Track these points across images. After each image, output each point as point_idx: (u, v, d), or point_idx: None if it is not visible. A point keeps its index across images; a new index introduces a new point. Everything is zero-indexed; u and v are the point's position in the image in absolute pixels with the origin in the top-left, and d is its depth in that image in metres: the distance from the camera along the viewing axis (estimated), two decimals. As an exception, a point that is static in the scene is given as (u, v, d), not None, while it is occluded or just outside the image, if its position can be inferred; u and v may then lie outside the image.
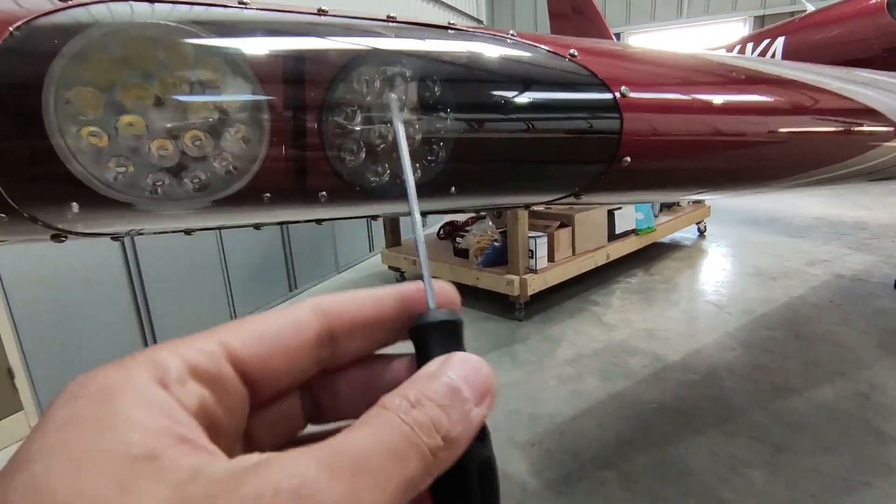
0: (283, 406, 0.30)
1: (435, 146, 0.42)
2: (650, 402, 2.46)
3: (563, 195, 0.52)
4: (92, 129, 0.36)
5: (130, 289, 2.97)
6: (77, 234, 0.40)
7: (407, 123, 0.42)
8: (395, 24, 0.45)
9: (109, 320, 2.88)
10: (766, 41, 4.97)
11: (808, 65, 0.78)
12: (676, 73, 0.58)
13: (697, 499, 1.85)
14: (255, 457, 0.21)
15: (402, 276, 4.37)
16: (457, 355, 0.27)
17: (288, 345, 0.27)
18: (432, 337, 0.29)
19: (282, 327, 0.27)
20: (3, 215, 0.36)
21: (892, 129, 0.65)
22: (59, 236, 0.39)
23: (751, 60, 0.67)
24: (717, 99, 0.55)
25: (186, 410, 0.23)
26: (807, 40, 4.60)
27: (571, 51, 0.49)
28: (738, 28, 10.52)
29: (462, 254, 3.83)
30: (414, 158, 0.43)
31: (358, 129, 0.43)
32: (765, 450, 2.07)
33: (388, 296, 0.31)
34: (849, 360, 2.71)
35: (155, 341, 3.09)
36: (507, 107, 0.45)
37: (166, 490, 0.19)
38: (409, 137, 0.42)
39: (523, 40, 0.49)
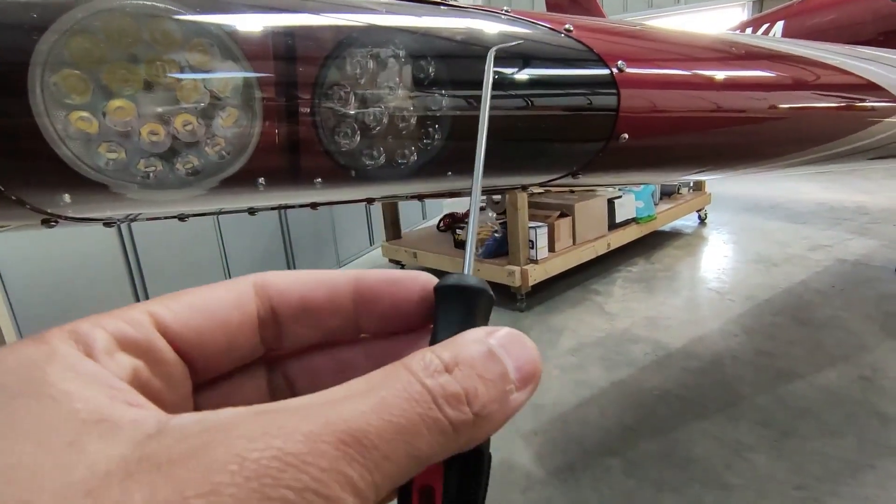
0: (243, 390, 0.27)
1: (431, 126, 0.42)
2: (653, 390, 2.46)
3: (560, 175, 0.51)
4: (81, 113, 0.35)
5: (130, 283, 2.98)
6: (68, 218, 0.39)
7: (402, 102, 0.42)
8: (387, 1, 0.44)
9: (111, 318, 2.88)
10: (766, 26, 4.93)
11: (809, 41, 0.77)
12: (675, 48, 0.57)
13: (702, 484, 1.85)
14: (227, 413, 0.17)
15: (402, 269, 4.37)
16: (504, 328, 0.23)
17: (226, 320, 0.24)
18: (469, 304, 0.24)
19: (219, 301, 0.25)
20: None
21: (894, 104, 0.64)
22: (49, 221, 0.38)
23: (750, 36, 0.67)
24: (717, 74, 0.55)
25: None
26: (806, 24, 4.57)
27: (567, 26, 0.48)
28: (737, 13, 10.46)
29: (462, 245, 3.82)
30: (409, 139, 0.42)
31: (352, 111, 0.42)
32: (769, 434, 2.07)
33: (343, 281, 0.27)
34: (852, 345, 2.70)
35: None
36: (503, 84, 0.44)
37: (123, 447, 0.16)
38: (403, 118, 0.42)
39: (518, 16, 0.48)
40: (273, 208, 0.48)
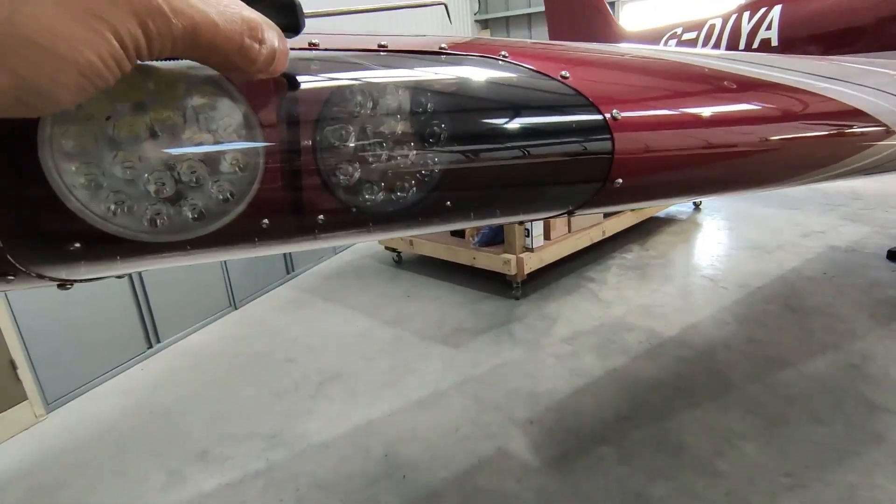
0: None
1: (431, 167, 0.43)
2: (647, 379, 2.50)
3: (557, 213, 0.53)
4: (88, 164, 0.36)
5: (129, 277, 2.98)
6: (82, 280, 0.41)
7: (402, 149, 0.42)
8: (386, 53, 0.45)
9: (109, 309, 2.90)
10: (763, 10, 4.89)
11: (794, 60, 0.77)
12: (666, 85, 0.57)
13: (693, 471, 1.90)
14: None
15: (399, 257, 4.39)
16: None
17: None
18: None
19: None
20: (10, 276, 0.37)
21: (879, 129, 0.66)
22: (64, 285, 0.40)
23: (735, 60, 0.67)
24: (706, 111, 0.55)
25: None
26: (804, 9, 4.53)
27: (563, 72, 0.49)
28: (735, -6, 10.32)
29: (459, 234, 3.83)
30: (407, 177, 0.43)
31: (351, 151, 0.43)
32: (759, 422, 2.12)
33: None
34: (842, 332, 2.75)
35: (155, 329, 3.11)
36: (500, 132, 0.45)
37: None
38: (405, 161, 0.43)
39: (515, 62, 0.49)
40: (278, 251, 0.49)
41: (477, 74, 0.47)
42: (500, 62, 0.49)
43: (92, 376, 2.80)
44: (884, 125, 0.66)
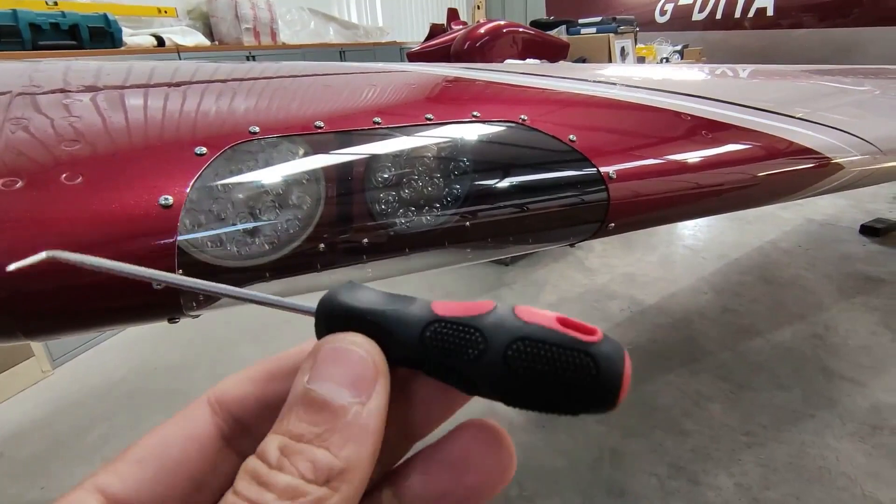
0: None
1: (459, 214, 0.52)
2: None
3: (559, 245, 0.63)
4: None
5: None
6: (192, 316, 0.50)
7: (431, 186, 0.52)
8: (430, 123, 0.53)
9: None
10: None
11: (757, 88, 0.86)
12: (651, 136, 0.67)
13: (663, 430, 2.08)
14: None
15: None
16: (322, 349, 0.22)
17: (182, 458, 0.23)
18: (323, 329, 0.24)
19: (172, 441, 0.23)
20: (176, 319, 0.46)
21: (829, 161, 0.77)
22: (174, 319, 0.49)
23: (705, 99, 0.77)
24: (684, 159, 0.65)
25: None
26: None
27: (571, 136, 0.58)
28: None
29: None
30: (436, 210, 0.53)
31: (392, 185, 0.52)
32: (726, 386, 2.31)
33: (287, 367, 0.25)
34: (810, 304, 2.93)
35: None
36: (514, 189, 0.54)
37: None
38: (431, 197, 0.52)
39: (532, 127, 0.58)
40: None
41: (503, 139, 0.56)
42: (519, 125, 0.58)
43: (95, 334, 2.90)
44: (834, 161, 0.76)
